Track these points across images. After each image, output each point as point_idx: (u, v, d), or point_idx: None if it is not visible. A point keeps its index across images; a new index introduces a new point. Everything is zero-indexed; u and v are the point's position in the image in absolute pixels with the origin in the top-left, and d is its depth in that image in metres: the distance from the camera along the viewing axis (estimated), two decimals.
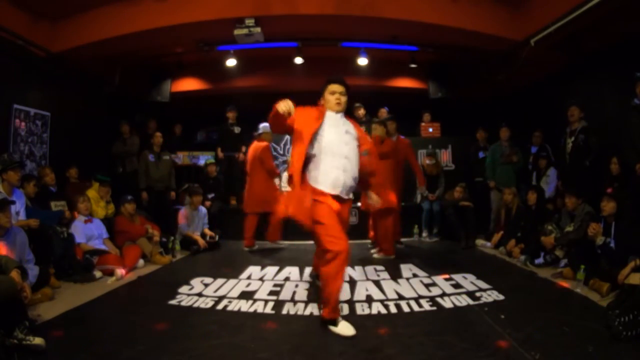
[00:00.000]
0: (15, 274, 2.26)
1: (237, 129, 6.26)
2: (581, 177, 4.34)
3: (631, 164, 3.76)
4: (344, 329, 2.35)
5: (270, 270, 3.86)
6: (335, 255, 2.31)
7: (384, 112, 6.07)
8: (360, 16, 4.59)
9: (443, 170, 5.84)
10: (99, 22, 4.84)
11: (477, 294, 3.01)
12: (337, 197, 2.49)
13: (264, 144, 4.97)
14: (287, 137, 8.01)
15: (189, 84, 6.93)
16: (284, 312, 2.73)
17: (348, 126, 2.63)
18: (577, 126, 4.49)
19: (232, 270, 3.82)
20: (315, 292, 3.06)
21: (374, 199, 2.86)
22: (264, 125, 4.95)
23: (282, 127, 2.50)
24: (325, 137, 2.51)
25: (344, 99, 2.64)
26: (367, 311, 2.72)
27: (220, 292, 3.15)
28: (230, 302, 2.92)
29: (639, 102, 3.73)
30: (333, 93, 2.61)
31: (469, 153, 6.09)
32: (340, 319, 2.41)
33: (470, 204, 5.26)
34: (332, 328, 2.37)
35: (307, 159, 2.51)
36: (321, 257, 2.44)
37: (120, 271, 3.63)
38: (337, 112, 2.62)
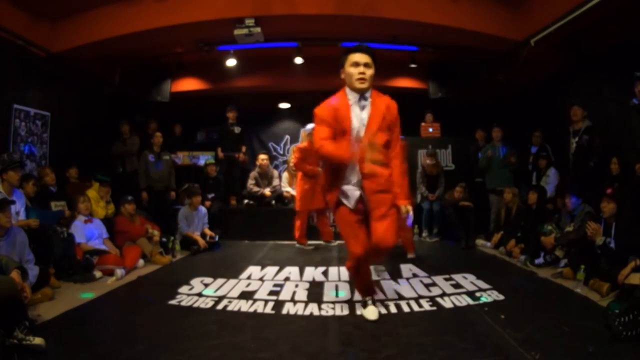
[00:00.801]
0: (15, 274, 2.27)
1: (237, 129, 6.25)
2: (584, 178, 4.32)
3: (631, 164, 3.75)
4: (368, 313, 2.52)
5: (270, 270, 3.86)
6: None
7: None
8: (360, 16, 4.58)
9: (443, 170, 5.84)
10: (99, 22, 4.83)
11: (477, 294, 3.00)
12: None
13: (301, 145, 4.96)
14: (287, 136, 8.05)
15: (189, 84, 6.92)
16: (284, 312, 2.73)
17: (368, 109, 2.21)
18: (581, 126, 4.47)
19: (231, 270, 3.81)
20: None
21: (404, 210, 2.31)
22: (307, 127, 4.92)
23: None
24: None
25: (369, 72, 2.16)
26: None
27: (220, 292, 3.15)
28: (230, 302, 2.92)
29: (637, 102, 3.72)
30: (356, 65, 2.15)
31: (469, 153, 6.09)
32: (369, 302, 2.58)
33: (470, 204, 5.25)
34: (361, 310, 2.58)
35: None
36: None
37: (120, 271, 3.63)
38: (360, 90, 2.18)
